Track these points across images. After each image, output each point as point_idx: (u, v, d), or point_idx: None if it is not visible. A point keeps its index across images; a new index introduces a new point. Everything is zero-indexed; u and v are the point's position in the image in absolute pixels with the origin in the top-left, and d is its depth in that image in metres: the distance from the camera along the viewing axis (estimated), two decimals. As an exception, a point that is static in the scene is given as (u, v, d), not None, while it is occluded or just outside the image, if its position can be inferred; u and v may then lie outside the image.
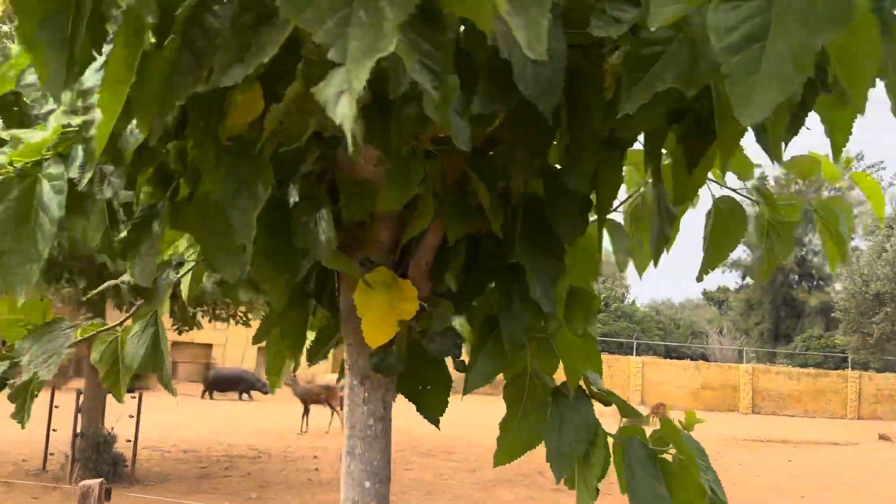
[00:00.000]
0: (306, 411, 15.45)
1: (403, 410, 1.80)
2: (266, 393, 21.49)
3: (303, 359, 1.85)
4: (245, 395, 21.43)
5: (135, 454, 9.55)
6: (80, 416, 9.41)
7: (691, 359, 34.67)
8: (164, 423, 13.81)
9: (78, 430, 9.41)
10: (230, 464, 11.34)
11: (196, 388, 22.87)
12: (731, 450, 16.21)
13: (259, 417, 17.66)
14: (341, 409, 14.56)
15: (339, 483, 1.54)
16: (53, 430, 9.83)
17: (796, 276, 42.98)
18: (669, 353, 37.06)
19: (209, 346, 24.29)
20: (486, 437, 15.22)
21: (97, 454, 9.26)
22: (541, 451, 1.57)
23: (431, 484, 10.58)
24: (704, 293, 49.38)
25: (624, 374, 29.54)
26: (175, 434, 13.33)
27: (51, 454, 9.89)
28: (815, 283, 43.02)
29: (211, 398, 20.69)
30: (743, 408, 29.63)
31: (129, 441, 9.50)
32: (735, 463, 13.94)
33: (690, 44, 0.98)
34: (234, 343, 24.18)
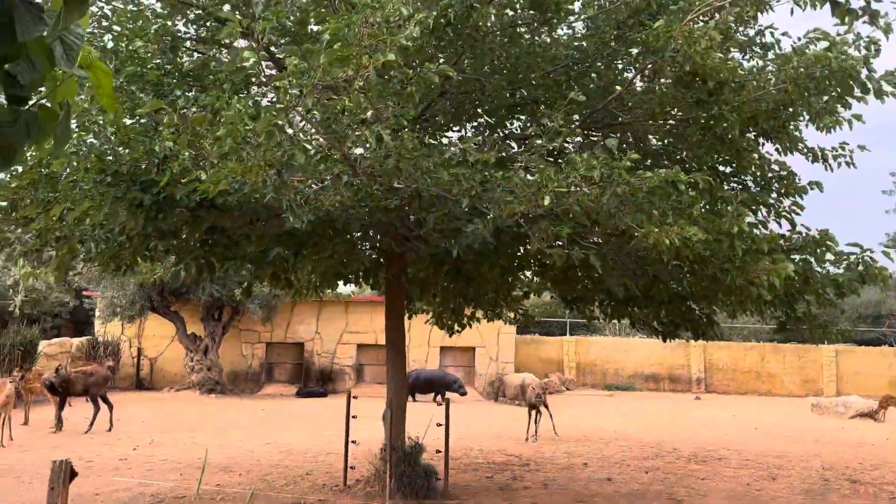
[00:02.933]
0: (533, 417, 14.60)
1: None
2: (463, 394, 21.00)
3: None
4: (439, 397, 21.04)
5: (447, 466, 9.03)
6: (389, 425, 8.95)
7: (889, 345, 31.77)
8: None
9: (382, 442, 8.97)
10: (511, 472, 10.72)
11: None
12: None
13: (471, 420, 17.15)
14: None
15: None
16: (353, 441, 9.47)
17: None
18: (861, 341, 34.16)
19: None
20: (740, 440, 14.21)
21: (409, 467, 8.76)
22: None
23: (743, 495, 9.53)
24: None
25: (816, 364, 27.36)
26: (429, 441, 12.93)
27: (351, 468, 9.53)
28: None
29: (414, 400, 20.42)
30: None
31: (439, 452, 9.00)
32: None
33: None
34: (416, 344, 23.92)
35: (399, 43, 3.71)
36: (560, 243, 5.10)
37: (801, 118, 6.71)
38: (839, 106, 6.20)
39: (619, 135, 6.79)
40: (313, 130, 4.49)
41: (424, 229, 5.60)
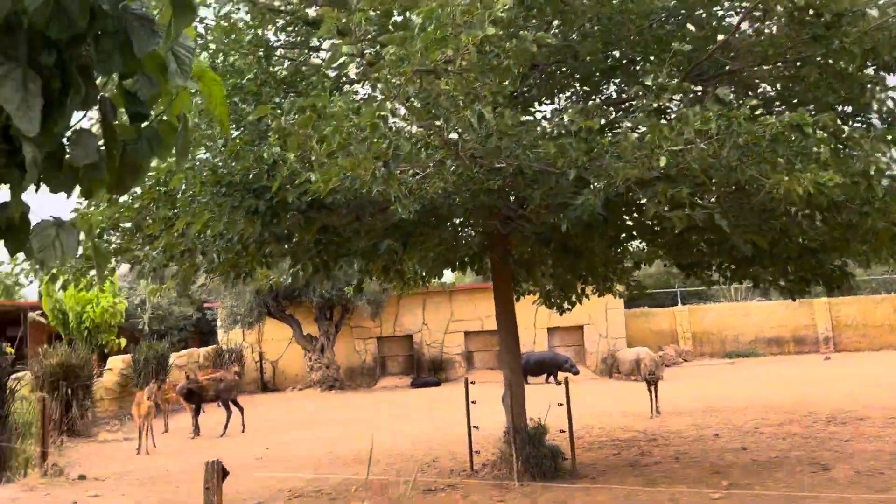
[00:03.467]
0: (652, 392, 14.13)
1: None
2: (575, 373, 20.72)
3: None
4: (551, 378, 20.86)
5: (573, 445, 8.90)
6: (510, 408, 8.92)
7: None
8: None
9: (506, 425, 8.95)
10: (638, 448, 10.46)
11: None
12: None
13: (588, 399, 16.87)
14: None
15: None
16: (475, 427, 9.50)
17: None
18: None
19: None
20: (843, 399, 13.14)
21: (535, 448, 8.70)
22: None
23: (891, 455, 8.88)
24: None
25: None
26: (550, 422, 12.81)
27: (476, 452, 9.56)
28: None
29: (527, 383, 20.35)
30: None
31: (563, 431, 8.90)
32: None
33: None
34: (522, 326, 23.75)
35: (496, 16, 3.61)
36: (680, 206, 4.86)
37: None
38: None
39: (728, 85, 6.41)
40: (414, 118, 4.47)
41: (530, 206, 5.48)
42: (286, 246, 6.44)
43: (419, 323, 24.13)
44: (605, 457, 10.00)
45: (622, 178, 4.60)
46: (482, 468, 9.29)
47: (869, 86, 6.74)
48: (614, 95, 8.09)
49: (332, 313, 22.55)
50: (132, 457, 12.30)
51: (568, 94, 8.22)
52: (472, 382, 10.12)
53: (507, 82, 4.26)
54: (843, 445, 9.62)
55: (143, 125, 2.43)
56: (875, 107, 7.26)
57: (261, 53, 6.74)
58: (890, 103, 7.17)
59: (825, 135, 4.84)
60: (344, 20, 3.91)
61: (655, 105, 5.20)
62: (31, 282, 7.93)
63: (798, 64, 6.18)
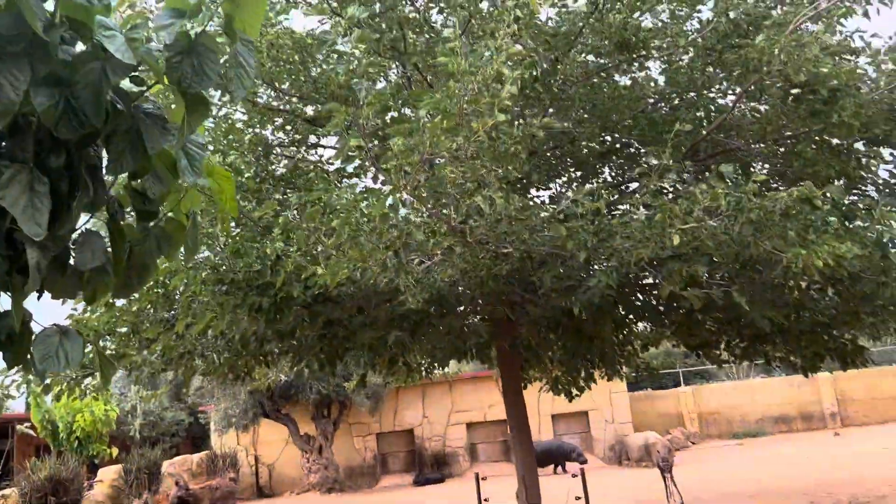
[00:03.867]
0: (668, 480, 13.59)
1: None
2: (583, 463, 20.05)
3: None
4: (559, 469, 20.18)
5: (593, 543, 8.44)
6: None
7: None
8: None
9: (521, 524, 8.49)
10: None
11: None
12: None
13: (600, 489, 16.24)
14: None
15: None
16: (488, 525, 9.04)
17: None
18: None
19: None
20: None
21: (553, 548, 8.23)
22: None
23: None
24: None
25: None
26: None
27: (491, 554, 9.06)
28: None
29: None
30: None
31: (582, 528, 8.46)
32: None
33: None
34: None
35: (503, 104, 3.61)
36: (696, 284, 4.76)
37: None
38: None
39: (726, 163, 6.45)
40: (423, 207, 4.42)
41: (541, 290, 5.37)
42: (290, 343, 6.27)
43: (419, 416, 23.51)
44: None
45: (636, 257, 4.51)
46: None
47: (864, 159, 6.81)
48: (610, 179, 8.15)
49: (329, 411, 21.97)
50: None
51: (564, 178, 8.28)
52: (483, 478, 9.71)
53: (513, 167, 4.24)
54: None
55: (151, 224, 2.32)
56: (870, 179, 7.33)
57: (260, 151, 6.78)
58: (885, 174, 7.25)
59: (832, 208, 4.82)
60: (350, 116, 3.91)
61: (659, 185, 5.19)
62: (22, 394, 7.63)
63: (794, 140, 6.25)
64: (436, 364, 8.38)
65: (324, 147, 7.62)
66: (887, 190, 7.30)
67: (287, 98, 7.06)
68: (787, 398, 25.53)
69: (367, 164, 6.14)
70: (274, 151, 7.44)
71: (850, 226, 5.42)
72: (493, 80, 3.78)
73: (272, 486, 23.11)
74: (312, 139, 7.59)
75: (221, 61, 2.00)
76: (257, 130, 6.90)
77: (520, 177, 6.23)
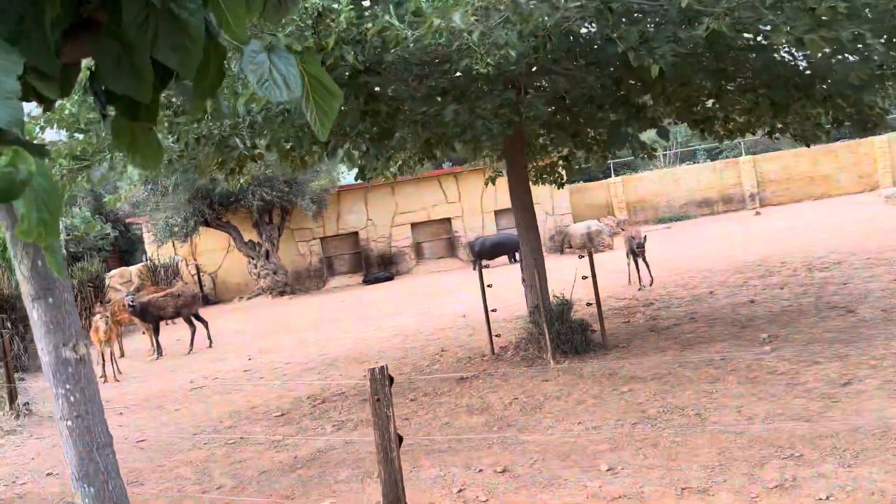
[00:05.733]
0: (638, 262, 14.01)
1: None
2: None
3: None
4: (512, 259, 20.81)
5: (601, 316, 8.69)
6: (536, 286, 8.55)
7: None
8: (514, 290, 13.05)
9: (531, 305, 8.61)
10: (642, 314, 10.43)
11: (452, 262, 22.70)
12: None
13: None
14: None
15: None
16: (493, 310, 9.12)
17: None
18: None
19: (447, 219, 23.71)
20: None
21: (562, 324, 8.43)
22: None
23: None
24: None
25: (869, 157, 26.60)
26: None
27: (496, 335, 9.24)
28: None
29: (486, 266, 20.20)
30: None
31: (590, 304, 8.67)
32: None
33: None
34: (469, 212, 23.48)
35: None
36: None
37: None
38: None
39: None
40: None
41: (620, 49, 4.78)
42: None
43: (364, 219, 23.32)
44: (617, 325, 9.91)
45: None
46: (504, 351, 8.99)
47: None
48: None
49: (271, 217, 21.36)
50: (100, 385, 11.31)
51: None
52: (485, 266, 9.72)
53: None
54: (843, 289, 9.85)
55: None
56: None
57: None
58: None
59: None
60: None
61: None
62: None
63: None
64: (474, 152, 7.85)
65: None
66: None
67: None
68: (709, 183, 26.78)
69: None
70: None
71: None
72: None
73: (216, 293, 22.90)
74: None
75: None
76: None
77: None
